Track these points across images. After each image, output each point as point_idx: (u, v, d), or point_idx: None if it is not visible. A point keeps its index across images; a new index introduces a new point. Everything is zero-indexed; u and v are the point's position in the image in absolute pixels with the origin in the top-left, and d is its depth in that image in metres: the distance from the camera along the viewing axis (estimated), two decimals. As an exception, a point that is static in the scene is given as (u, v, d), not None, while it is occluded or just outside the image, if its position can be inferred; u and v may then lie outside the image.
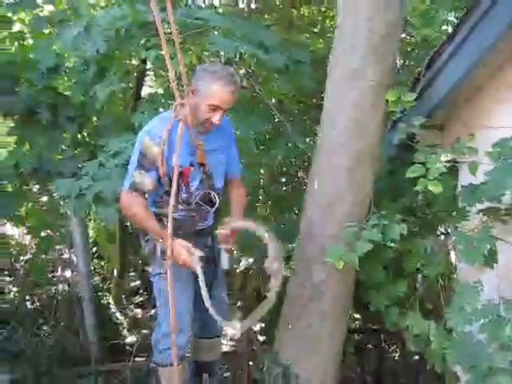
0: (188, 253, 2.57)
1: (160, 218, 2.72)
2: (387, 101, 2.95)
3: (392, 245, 2.91)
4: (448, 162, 2.94)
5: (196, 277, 2.78)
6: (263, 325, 5.07)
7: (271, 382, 3.09)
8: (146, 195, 2.71)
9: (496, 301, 2.51)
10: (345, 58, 2.92)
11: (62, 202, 4.06)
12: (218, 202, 2.81)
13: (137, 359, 4.25)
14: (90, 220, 5.62)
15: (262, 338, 4.70)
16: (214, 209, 2.82)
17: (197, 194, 2.74)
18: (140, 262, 7.11)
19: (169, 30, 3.22)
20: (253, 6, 6.11)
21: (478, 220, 2.81)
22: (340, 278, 3.05)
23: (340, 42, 2.95)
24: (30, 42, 4.58)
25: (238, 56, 4.02)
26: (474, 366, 2.46)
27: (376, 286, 3.22)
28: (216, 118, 2.57)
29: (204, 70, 2.62)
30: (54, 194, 3.71)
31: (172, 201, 2.54)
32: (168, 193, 2.64)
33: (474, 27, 2.75)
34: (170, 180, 2.60)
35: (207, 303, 2.50)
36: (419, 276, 3.48)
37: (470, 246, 2.65)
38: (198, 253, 2.58)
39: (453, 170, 3.21)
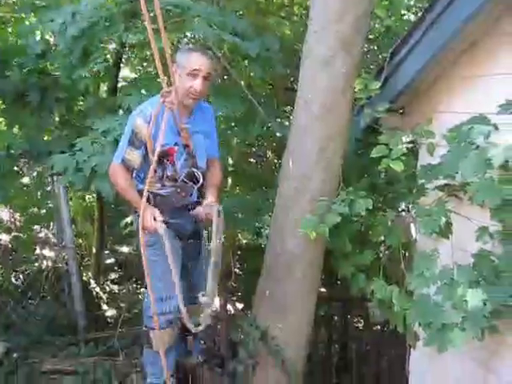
0: (153, 218, 2.85)
1: (147, 194, 2.96)
2: (355, 87, 3.25)
3: (358, 218, 3.23)
4: (409, 143, 3.24)
5: (182, 248, 3.07)
6: (239, 293, 5.37)
7: (250, 344, 3.38)
8: (134, 172, 2.98)
9: (450, 266, 2.81)
10: (316, 48, 3.19)
11: (49, 180, 4.24)
12: (201, 179, 3.07)
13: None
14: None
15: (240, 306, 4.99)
16: (198, 185, 3.08)
17: (182, 171, 3.00)
18: (112, 239, 7.31)
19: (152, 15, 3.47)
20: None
21: (435, 196, 3.13)
22: (312, 248, 3.35)
23: (312, 34, 3.21)
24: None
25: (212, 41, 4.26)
26: (430, 323, 2.78)
27: (344, 256, 3.53)
28: (197, 84, 2.85)
29: (181, 49, 2.97)
30: (42, 173, 3.92)
31: (151, 173, 2.78)
32: (154, 170, 2.89)
33: (429, 28, 3.08)
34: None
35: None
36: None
37: (428, 218, 2.97)
38: (160, 218, 2.85)
39: (413, 151, 3.52)
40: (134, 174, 3.02)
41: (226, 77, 5.27)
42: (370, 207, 3.17)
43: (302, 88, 3.28)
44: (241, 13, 6.03)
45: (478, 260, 2.76)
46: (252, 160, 6.81)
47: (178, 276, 2.91)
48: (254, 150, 6.67)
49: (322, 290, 6.68)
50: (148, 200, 2.92)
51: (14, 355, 3.79)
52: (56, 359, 3.83)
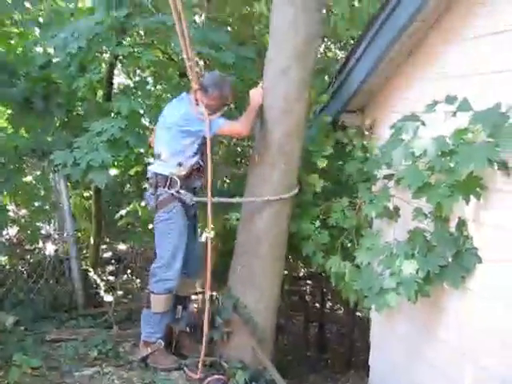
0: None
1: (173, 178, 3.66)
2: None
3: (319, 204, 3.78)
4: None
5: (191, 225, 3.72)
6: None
7: (225, 311, 3.89)
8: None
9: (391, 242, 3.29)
10: (275, 59, 3.72)
11: (51, 177, 4.79)
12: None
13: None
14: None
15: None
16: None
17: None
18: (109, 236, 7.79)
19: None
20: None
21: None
22: (275, 228, 3.90)
23: (272, 48, 3.76)
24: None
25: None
26: (370, 288, 3.28)
27: (306, 237, 4.06)
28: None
29: (217, 80, 3.69)
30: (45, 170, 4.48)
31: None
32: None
33: (371, 41, 3.60)
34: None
35: None
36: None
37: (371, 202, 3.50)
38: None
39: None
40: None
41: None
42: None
43: (265, 93, 3.78)
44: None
45: (413, 236, 3.20)
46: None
47: (183, 249, 3.67)
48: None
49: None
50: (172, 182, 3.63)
51: (22, 328, 4.33)
52: (58, 330, 4.38)
